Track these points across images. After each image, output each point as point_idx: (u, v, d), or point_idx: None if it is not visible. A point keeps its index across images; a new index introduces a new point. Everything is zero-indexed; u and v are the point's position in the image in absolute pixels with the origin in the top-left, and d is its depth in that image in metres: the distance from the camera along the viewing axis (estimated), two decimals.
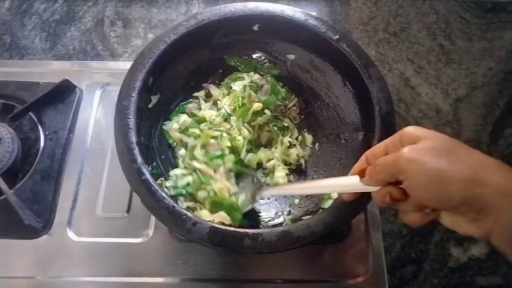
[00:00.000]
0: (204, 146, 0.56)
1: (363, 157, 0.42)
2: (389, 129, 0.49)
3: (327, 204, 0.53)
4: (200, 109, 0.62)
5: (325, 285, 0.57)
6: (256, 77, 0.63)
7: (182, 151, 0.59)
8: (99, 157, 0.65)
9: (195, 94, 0.63)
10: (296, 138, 0.62)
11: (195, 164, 0.54)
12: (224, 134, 0.57)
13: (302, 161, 0.61)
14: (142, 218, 0.60)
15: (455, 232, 0.37)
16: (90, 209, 0.61)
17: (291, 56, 0.63)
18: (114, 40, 0.79)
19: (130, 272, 0.57)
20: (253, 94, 0.60)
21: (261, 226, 0.55)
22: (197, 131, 0.58)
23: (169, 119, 0.61)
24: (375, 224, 0.60)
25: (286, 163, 0.60)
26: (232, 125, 0.59)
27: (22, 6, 0.83)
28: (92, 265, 0.58)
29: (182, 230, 0.45)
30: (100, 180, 0.63)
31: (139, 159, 0.48)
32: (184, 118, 0.60)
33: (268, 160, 0.59)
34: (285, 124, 0.62)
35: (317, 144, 0.62)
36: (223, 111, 0.60)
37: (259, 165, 0.60)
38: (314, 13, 0.58)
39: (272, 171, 0.59)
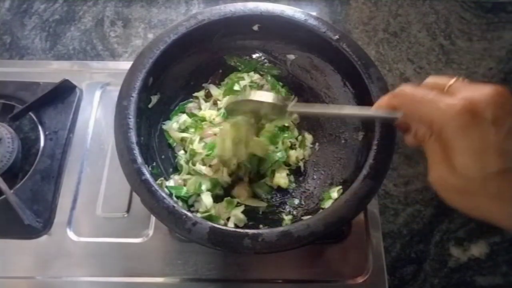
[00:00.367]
0: (202, 138, 0.57)
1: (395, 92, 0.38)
2: (389, 129, 0.49)
3: (327, 204, 0.53)
4: (200, 109, 0.62)
5: (325, 285, 0.57)
6: (256, 77, 0.63)
7: (182, 152, 0.59)
8: (99, 157, 0.65)
9: (195, 94, 0.63)
10: (296, 138, 0.62)
11: (198, 167, 0.55)
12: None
13: (301, 163, 0.60)
14: (142, 218, 0.60)
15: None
16: (90, 209, 0.61)
17: (291, 56, 0.63)
18: (114, 40, 0.79)
19: (130, 272, 0.57)
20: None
21: (261, 226, 0.55)
22: (195, 130, 0.59)
23: (169, 119, 0.61)
24: (375, 224, 0.60)
25: (285, 163, 0.60)
26: None
27: (22, 6, 0.83)
28: (92, 265, 0.58)
29: (182, 230, 0.45)
30: (100, 180, 0.63)
31: (139, 159, 0.48)
32: (184, 118, 0.60)
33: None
34: (286, 124, 0.62)
35: (317, 144, 0.62)
36: (223, 110, 0.60)
37: (259, 165, 0.59)
38: (314, 13, 0.58)
39: (273, 171, 0.59)
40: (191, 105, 0.62)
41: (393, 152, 0.49)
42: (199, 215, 0.52)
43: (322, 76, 0.62)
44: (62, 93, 0.69)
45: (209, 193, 0.55)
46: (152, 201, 0.46)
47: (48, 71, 0.73)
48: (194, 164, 0.57)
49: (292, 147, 0.61)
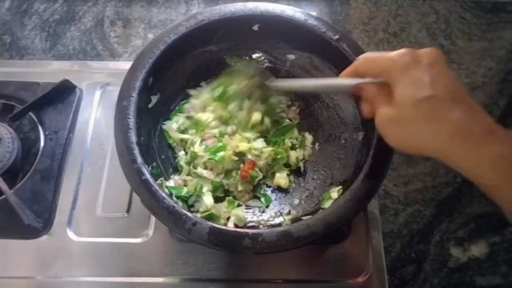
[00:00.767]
0: (203, 140, 0.57)
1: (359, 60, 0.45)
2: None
3: (327, 204, 0.53)
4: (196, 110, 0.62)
5: (325, 285, 0.57)
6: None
7: (182, 152, 0.59)
8: (99, 157, 0.65)
9: (190, 91, 0.63)
10: (296, 139, 0.62)
11: (200, 170, 0.55)
12: (226, 137, 0.58)
13: (301, 163, 0.60)
14: (142, 218, 0.60)
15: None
16: (90, 209, 0.61)
17: (291, 56, 0.63)
18: (114, 40, 0.79)
19: (130, 272, 0.57)
20: (250, 103, 0.60)
21: (261, 226, 0.55)
22: (195, 131, 0.59)
23: (169, 119, 0.61)
24: (375, 224, 0.60)
25: (285, 164, 0.60)
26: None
27: (22, 6, 0.83)
28: (92, 265, 0.58)
29: (182, 230, 0.45)
30: (100, 180, 0.63)
31: (139, 159, 0.48)
32: (182, 119, 0.60)
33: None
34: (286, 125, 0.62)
35: (317, 144, 0.62)
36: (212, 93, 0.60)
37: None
38: (314, 13, 0.58)
39: (273, 173, 0.59)
40: (187, 106, 0.62)
41: (393, 152, 0.49)
42: (199, 215, 0.52)
43: (322, 76, 0.62)
44: (62, 93, 0.69)
45: (210, 193, 0.55)
46: (152, 201, 0.46)
47: (48, 71, 0.73)
48: (195, 167, 0.57)
49: (292, 147, 0.61)
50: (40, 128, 0.67)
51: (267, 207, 0.57)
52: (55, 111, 0.68)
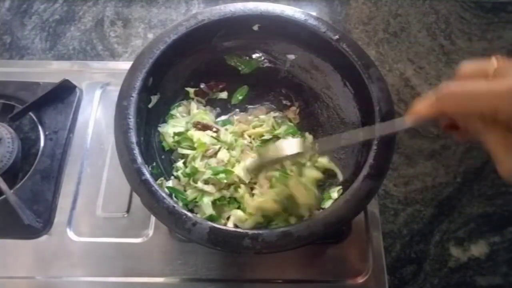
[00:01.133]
0: (204, 157, 0.57)
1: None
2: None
3: (327, 204, 0.53)
4: (188, 113, 0.62)
5: (325, 285, 0.57)
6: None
7: (180, 164, 0.58)
8: (99, 157, 0.65)
9: (187, 89, 0.62)
10: None
11: (200, 185, 0.54)
12: (224, 151, 0.57)
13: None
14: (142, 218, 0.60)
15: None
16: (90, 209, 0.61)
17: (291, 56, 0.63)
18: (114, 40, 0.79)
19: (130, 272, 0.57)
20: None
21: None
22: (190, 144, 0.58)
23: (165, 121, 0.61)
24: (375, 224, 0.60)
25: None
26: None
27: (22, 6, 0.83)
28: (92, 265, 0.58)
29: (182, 230, 0.45)
30: (100, 180, 0.63)
31: (139, 159, 0.48)
32: (178, 129, 0.59)
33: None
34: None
35: (317, 144, 0.62)
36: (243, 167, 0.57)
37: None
38: (314, 13, 0.58)
39: None
40: (180, 109, 0.61)
41: (393, 152, 0.49)
42: (199, 215, 0.52)
43: (322, 76, 0.62)
44: (62, 93, 0.69)
45: (209, 202, 0.54)
46: (152, 201, 0.46)
47: (48, 71, 0.73)
48: (195, 181, 0.55)
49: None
50: (40, 128, 0.67)
51: None
52: (55, 111, 0.68)
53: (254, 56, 0.64)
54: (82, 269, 0.58)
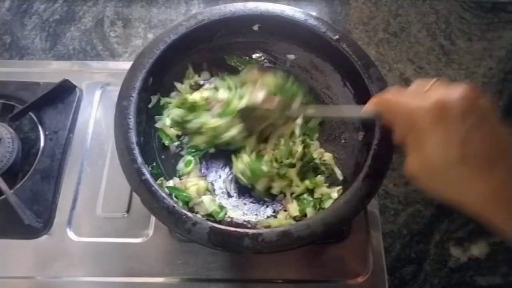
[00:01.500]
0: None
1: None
2: (389, 129, 0.49)
3: (327, 204, 0.53)
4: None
5: (325, 285, 0.57)
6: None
7: (181, 165, 0.58)
8: (99, 157, 0.65)
9: (177, 84, 0.61)
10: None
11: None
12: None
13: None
14: (142, 218, 0.60)
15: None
16: (90, 209, 0.61)
17: (291, 56, 0.63)
18: (114, 40, 0.79)
19: (130, 272, 0.57)
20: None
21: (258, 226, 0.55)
22: (197, 120, 0.56)
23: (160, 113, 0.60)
24: (375, 224, 0.60)
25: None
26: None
27: (22, 6, 0.83)
28: (92, 265, 0.58)
29: (182, 230, 0.45)
30: (100, 180, 0.63)
31: (139, 159, 0.48)
32: (176, 112, 0.57)
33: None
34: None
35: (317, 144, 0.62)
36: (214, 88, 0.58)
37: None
38: (314, 13, 0.58)
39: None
40: (173, 94, 0.60)
41: (393, 152, 0.49)
42: (199, 215, 0.52)
43: (322, 76, 0.62)
44: (62, 93, 0.69)
45: (210, 197, 0.54)
46: (152, 201, 0.46)
47: (48, 71, 0.73)
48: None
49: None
50: (40, 128, 0.67)
51: (266, 207, 0.57)
52: (55, 111, 0.68)
53: (254, 56, 0.64)
54: (82, 269, 0.58)
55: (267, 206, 0.57)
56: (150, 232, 0.60)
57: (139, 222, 0.60)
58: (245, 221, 0.54)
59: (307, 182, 0.56)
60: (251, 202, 0.57)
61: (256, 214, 0.56)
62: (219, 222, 0.51)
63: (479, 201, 0.35)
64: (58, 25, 0.80)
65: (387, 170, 0.49)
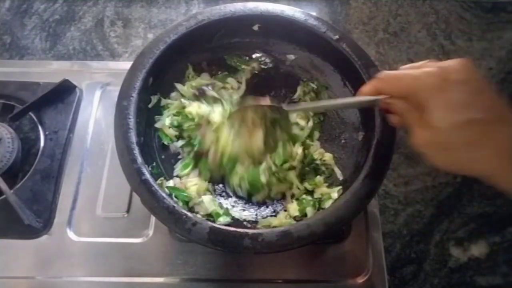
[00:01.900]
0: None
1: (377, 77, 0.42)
2: (389, 129, 0.49)
3: (327, 204, 0.53)
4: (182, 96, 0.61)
5: (325, 285, 0.57)
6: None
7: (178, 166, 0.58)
8: (99, 157, 0.65)
9: (177, 85, 0.61)
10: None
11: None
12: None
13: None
14: (142, 218, 0.60)
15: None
16: (90, 209, 0.61)
17: (291, 56, 0.63)
18: (114, 40, 0.79)
19: (130, 272, 0.57)
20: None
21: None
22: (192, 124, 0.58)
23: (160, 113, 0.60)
24: (375, 224, 0.60)
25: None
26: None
27: (22, 6, 0.83)
28: (92, 265, 0.58)
29: (182, 230, 0.45)
30: (100, 180, 0.63)
31: (139, 159, 0.48)
32: (173, 117, 0.59)
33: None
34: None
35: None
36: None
37: None
38: (314, 13, 0.58)
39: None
40: (173, 95, 0.61)
41: (393, 152, 0.49)
42: (199, 215, 0.52)
43: (322, 76, 0.62)
44: (62, 93, 0.69)
45: (210, 197, 0.54)
46: (152, 201, 0.46)
47: (48, 71, 0.73)
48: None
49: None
50: (40, 128, 0.67)
51: (266, 206, 0.57)
52: (55, 111, 0.68)
53: (254, 56, 0.64)
54: (82, 269, 0.58)
55: (267, 206, 0.57)
56: (150, 232, 0.60)
57: (139, 222, 0.60)
58: (245, 221, 0.54)
59: (306, 184, 0.56)
60: (251, 202, 0.57)
61: (256, 214, 0.56)
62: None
63: (487, 164, 0.35)
64: (58, 25, 0.81)
65: (387, 170, 0.49)
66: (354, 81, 0.56)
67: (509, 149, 0.34)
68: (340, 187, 0.54)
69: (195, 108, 0.58)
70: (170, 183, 0.55)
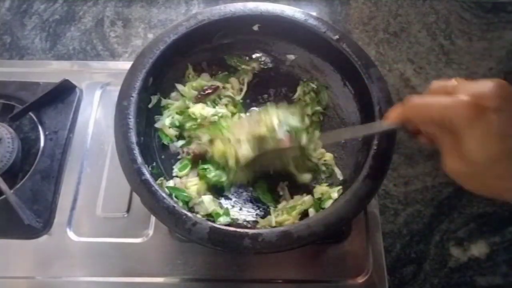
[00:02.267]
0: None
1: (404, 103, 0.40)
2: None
3: (327, 204, 0.53)
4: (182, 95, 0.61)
5: (325, 285, 0.57)
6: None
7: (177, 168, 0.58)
8: (99, 157, 0.65)
9: (178, 85, 0.61)
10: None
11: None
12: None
13: None
14: (142, 218, 0.60)
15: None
16: (90, 209, 0.61)
17: (291, 56, 0.63)
18: (114, 40, 0.79)
19: (130, 272, 0.57)
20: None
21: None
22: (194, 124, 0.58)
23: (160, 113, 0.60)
24: (375, 224, 0.60)
25: None
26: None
27: (22, 6, 0.83)
28: (92, 265, 0.58)
29: (182, 230, 0.45)
30: (100, 180, 0.63)
31: (139, 159, 0.48)
32: (175, 116, 0.59)
33: None
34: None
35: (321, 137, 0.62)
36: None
37: None
38: (314, 13, 0.58)
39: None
40: (173, 95, 0.61)
41: (393, 152, 0.49)
42: (199, 215, 0.52)
43: (322, 76, 0.62)
44: (62, 93, 0.69)
45: (211, 197, 0.54)
46: (152, 201, 0.46)
47: (48, 71, 0.73)
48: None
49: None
50: (40, 128, 0.67)
51: (266, 207, 0.57)
52: (55, 111, 0.68)
53: (254, 56, 0.64)
54: (82, 269, 0.58)
55: (267, 206, 0.57)
56: (150, 232, 0.60)
57: (139, 222, 0.60)
58: (245, 221, 0.54)
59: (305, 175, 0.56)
60: (250, 202, 0.57)
61: (256, 214, 0.56)
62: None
63: None
64: (58, 25, 0.81)
65: (387, 170, 0.49)
66: (354, 81, 0.56)
67: None
68: (340, 187, 0.54)
69: (198, 109, 0.59)
70: (170, 183, 0.55)
